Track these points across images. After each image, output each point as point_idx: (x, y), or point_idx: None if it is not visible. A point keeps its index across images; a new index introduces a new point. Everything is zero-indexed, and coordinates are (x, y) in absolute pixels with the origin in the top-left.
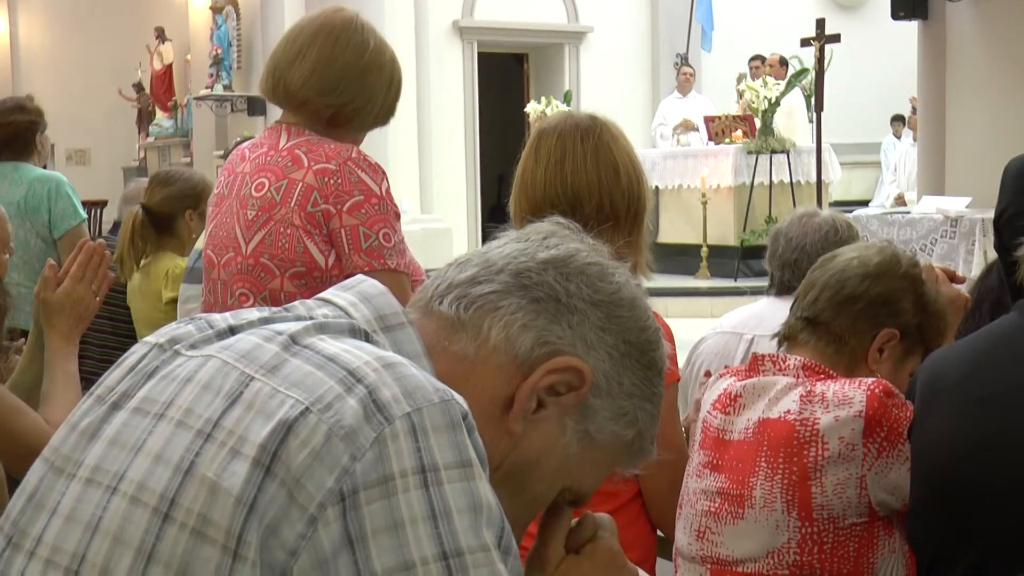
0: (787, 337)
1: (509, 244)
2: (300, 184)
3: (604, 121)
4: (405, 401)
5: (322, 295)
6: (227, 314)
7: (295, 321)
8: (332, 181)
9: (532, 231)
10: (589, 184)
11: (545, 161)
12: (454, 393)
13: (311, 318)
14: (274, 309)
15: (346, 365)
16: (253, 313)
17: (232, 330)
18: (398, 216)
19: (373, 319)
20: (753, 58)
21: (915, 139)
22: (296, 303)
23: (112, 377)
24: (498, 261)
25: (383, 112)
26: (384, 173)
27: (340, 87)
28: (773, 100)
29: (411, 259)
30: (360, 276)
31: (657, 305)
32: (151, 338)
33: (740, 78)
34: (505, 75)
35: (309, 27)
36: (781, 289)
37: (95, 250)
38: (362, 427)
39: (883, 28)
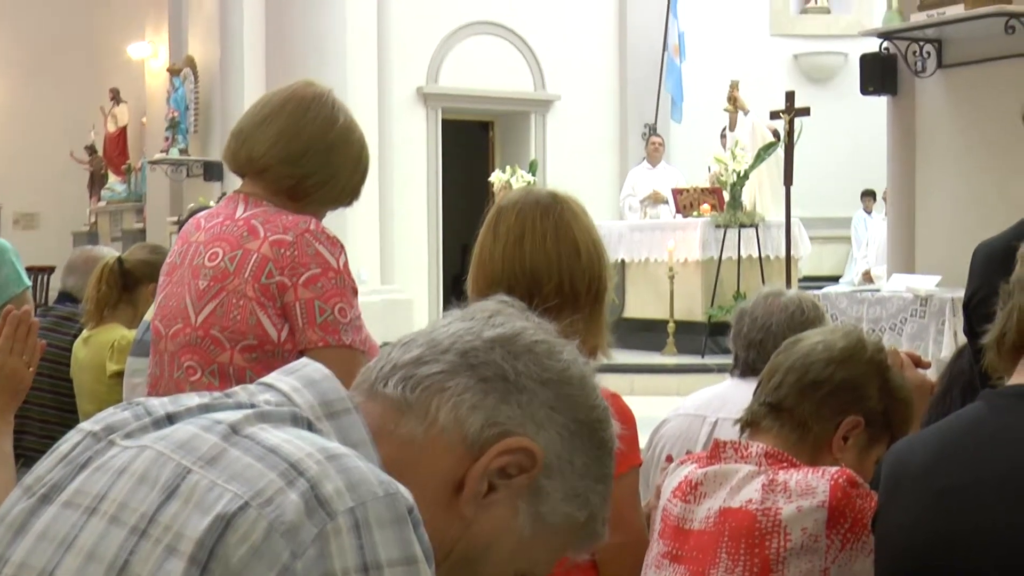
0: (749, 423)
1: (455, 323)
2: (255, 255)
3: (565, 198)
4: (348, 495)
5: (265, 379)
6: (166, 400)
7: (236, 409)
8: (288, 253)
9: (477, 310)
10: (548, 263)
11: (504, 239)
12: (399, 486)
13: (252, 405)
14: (215, 395)
15: (288, 457)
16: (193, 399)
17: (170, 418)
18: (355, 291)
19: (317, 405)
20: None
21: (885, 214)
22: (237, 389)
23: (43, 466)
24: (444, 340)
25: (347, 191)
26: (342, 247)
27: (304, 158)
28: (742, 173)
29: (367, 336)
30: (305, 359)
31: (622, 382)
32: (86, 425)
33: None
34: (470, 142)
35: (279, 96)
36: (746, 370)
37: (21, 319)
38: (304, 523)
39: (854, 102)
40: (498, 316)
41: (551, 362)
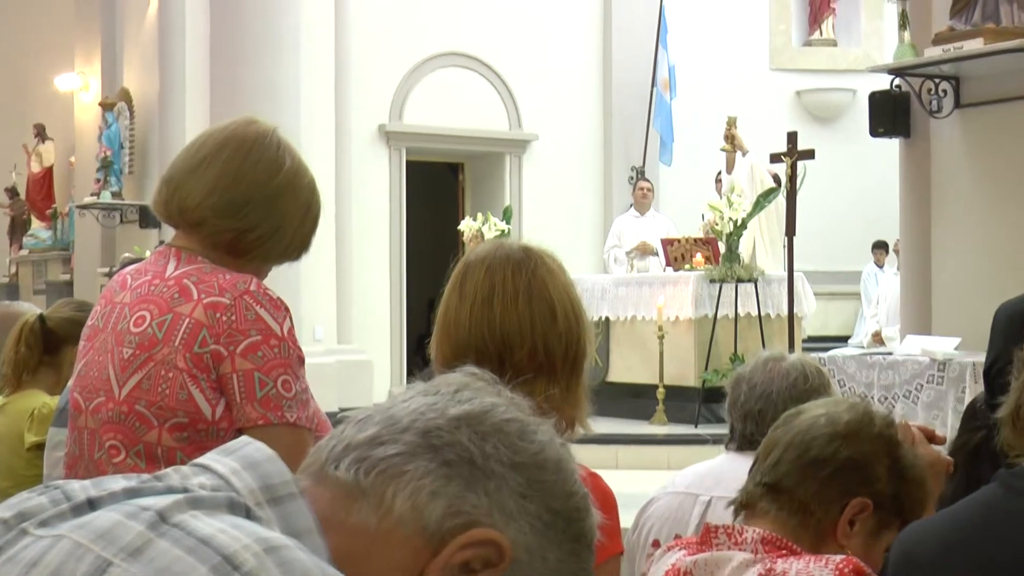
0: (745, 505)
1: (416, 398)
2: (187, 319)
3: (539, 252)
4: None
5: (200, 460)
6: (87, 483)
7: (166, 493)
8: (225, 317)
9: (442, 383)
10: (521, 326)
11: (471, 298)
12: None
13: (185, 489)
14: (143, 477)
15: (222, 549)
16: (118, 482)
17: (92, 503)
18: (302, 361)
19: (258, 489)
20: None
21: (898, 268)
22: (169, 471)
23: None
24: (403, 418)
25: (294, 244)
26: (287, 310)
27: (245, 209)
28: (739, 222)
29: (316, 411)
30: (245, 438)
31: (605, 455)
32: None
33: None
34: (437, 186)
35: (216, 136)
36: (743, 443)
37: None
38: None
39: (863, 144)
40: (465, 390)
41: (524, 444)
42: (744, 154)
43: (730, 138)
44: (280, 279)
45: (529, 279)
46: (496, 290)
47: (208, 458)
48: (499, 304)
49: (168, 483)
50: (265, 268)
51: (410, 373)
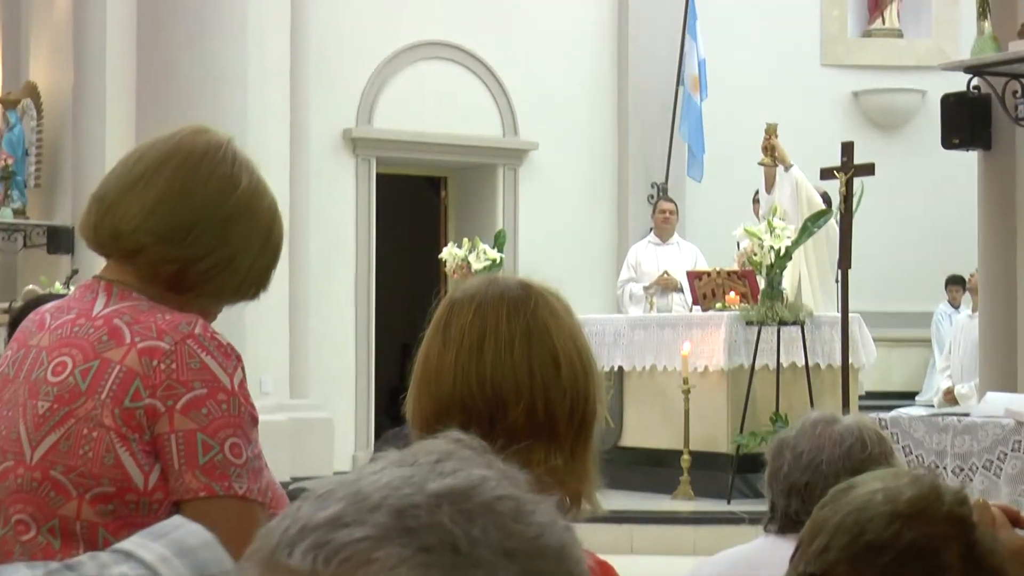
0: None
1: (388, 470)
2: (117, 367)
3: (541, 290)
4: None
5: (123, 545)
6: None
7: None
8: (163, 366)
9: (421, 452)
10: (517, 379)
11: (457, 344)
12: None
13: None
14: (51, 566)
15: None
16: (19, 572)
17: None
18: (255, 421)
19: None
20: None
21: (974, 309)
22: (84, 558)
23: None
24: (372, 494)
25: (251, 280)
26: (238, 359)
27: (192, 234)
28: (782, 251)
29: (270, 482)
30: (179, 518)
31: (619, 536)
32: None
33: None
34: (415, 205)
35: (160, 147)
36: (785, 524)
37: None
38: None
39: (935, 157)
40: (448, 461)
41: (519, 526)
42: (787, 169)
43: (770, 149)
44: (219, 317)
45: (528, 322)
46: (487, 334)
47: (133, 542)
48: (491, 351)
49: (82, 572)
50: (214, 308)
51: (380, 436)
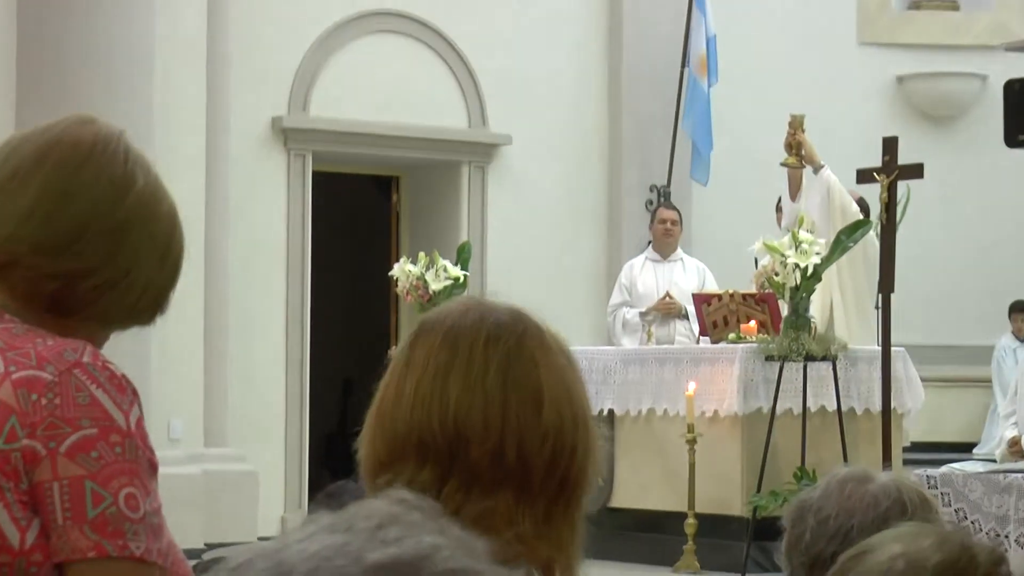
0: None
1: (319, 536)
2: None
3: (536, 321)
4: None
5: None
6: None
7: None
8: (45, 400)
9: (359, 514)
10: (487, 413)
11: (420, 370)
12: None
13: None
14: None
15: None
16: None
17: None
18: (154, 468)
19: None
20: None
21: None
22: None
23: None
24: (299, 566)
25: (147, 300)
26: (135, 393)
27: (78, 244)
28: (810, 271)
29: (170, 543)
30: None
31: None
32: None
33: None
34: (360, 211)
35: (35, 141)
36: None
37: None
38: None
39: (996, 156)
40: (392, 526)
41: None
42: (817, 171)
43: (796, 146)
44: (117, 347)
45: (508, 351)
46: (458, 359)
47: None
48: (458, 379)
49: None
50: (103, 333)
51: (314, 492)
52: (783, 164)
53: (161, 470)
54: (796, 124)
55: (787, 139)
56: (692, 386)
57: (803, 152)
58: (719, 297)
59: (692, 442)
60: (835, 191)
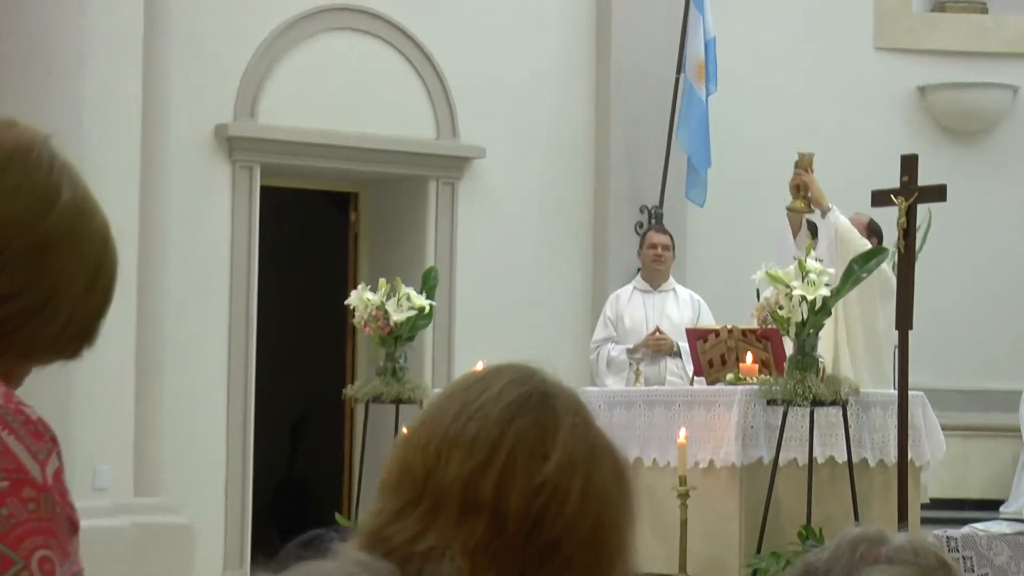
0: None
1: None
2: None
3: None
4: None
5: None
6: None
7: None
8: None
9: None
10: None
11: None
12: None
13: None
14: None
15: None
16: None
17: None
18: (75, 527)
19: None
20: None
21: None
22: None
23: None
24: None
25: (74, 330)
26: (53, 440)
27: None
28: (818, 305)
29: None
30: None
31: None
32: None
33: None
34: (314, 231)
35: None
36: None
37: None
38: None
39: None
40: None
41: None
42: (824, 214)
43: (802, 189)
44: (36, 383)
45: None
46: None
47: None
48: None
49: None
50: (22, 368)
51: (258, 549)
52: (790, 209)
53: (86, 522)
54: (804, 163)
55: (793, 180)
56: (683, 433)
57: (811, 195)
58: (716, 333)
59: (684, 496)
60: (844, 234)
